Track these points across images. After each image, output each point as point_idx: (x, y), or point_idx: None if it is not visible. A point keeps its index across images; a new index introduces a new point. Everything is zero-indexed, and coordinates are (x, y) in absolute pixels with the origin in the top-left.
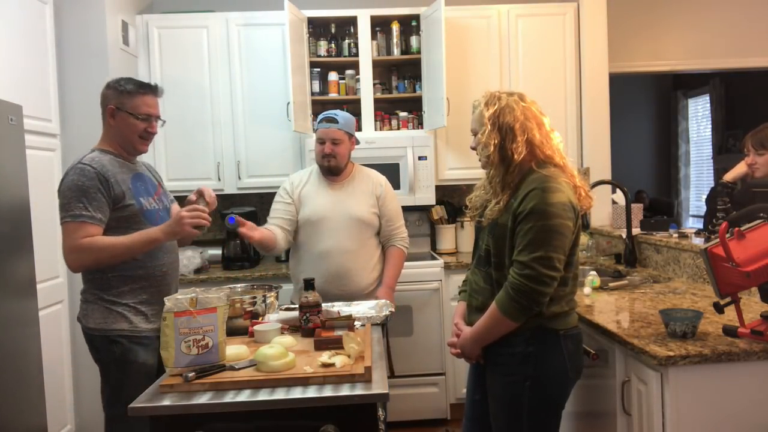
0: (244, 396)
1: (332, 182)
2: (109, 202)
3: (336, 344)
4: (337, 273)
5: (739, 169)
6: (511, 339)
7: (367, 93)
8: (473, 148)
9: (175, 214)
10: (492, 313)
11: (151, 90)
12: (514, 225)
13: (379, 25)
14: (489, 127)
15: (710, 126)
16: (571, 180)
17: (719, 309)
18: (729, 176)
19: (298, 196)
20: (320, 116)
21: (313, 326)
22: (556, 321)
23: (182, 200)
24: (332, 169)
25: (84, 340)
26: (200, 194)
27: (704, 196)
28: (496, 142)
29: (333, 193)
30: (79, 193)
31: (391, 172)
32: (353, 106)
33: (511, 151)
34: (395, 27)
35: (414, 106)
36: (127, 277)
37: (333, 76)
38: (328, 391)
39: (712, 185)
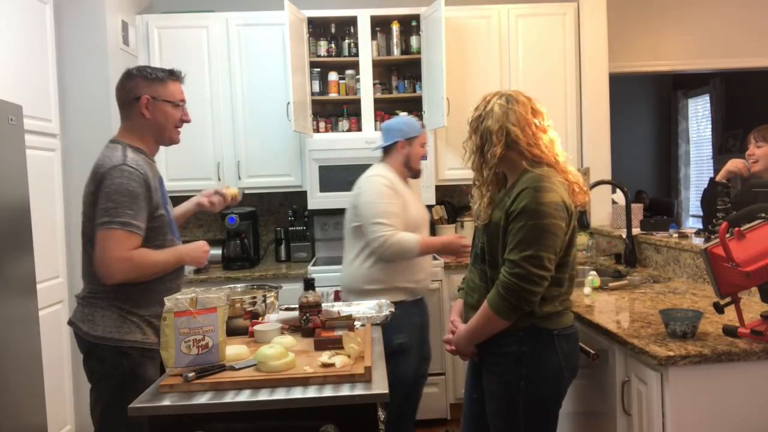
0: (244, 396)
1: (406, 184)
2: (148, 212)
3: (336, 344)
4: (431, 272)
5: (728, 167)
6: (504, 339)
7: (367, 93)
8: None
9: (201, 245)
10: (484, 312)
11: (179, 76)
12: (506, 224)
13: (379, 25)
14: (470, 131)
15: (710, 126)
16: (564, 177)
17: (719, 309)
18: (719, 176)
19: (404, 199)
20: (415, 120)
21: (313, 326)
22: (550, 321)
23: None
24: (419, 173)
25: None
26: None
27: (700, 198)
28: (476, 145)
29: (412, 194)
30: (129, 199)
31: None
32: (353, 106)
33: (488, 155)
34: (395, 27)
35: (414, 106)
36: (147, 290)
37: (333, 76)
38: (328, 391)
39: (706, 187)
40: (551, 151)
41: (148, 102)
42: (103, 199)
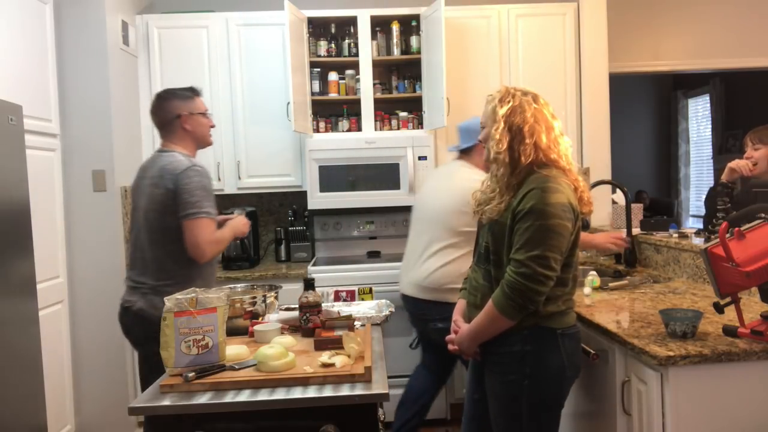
0: (244, 396)
1: None
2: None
3: (336, 344)
4: None
5: (731, 165)
6: (508, 338)
7: (367, 93)
8: (480, 141)
9: (242, 218)
10: (488, 311)
11: (200, 92)
12: (512, 223)
13: (379, 25)
14: (501, 124)
15: (710, 126)
16: (573, 183)
17: (719, 309)
18: (724, 177)
19: None
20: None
21: (313, 326)
22: (553, 320)
23: None
24: None
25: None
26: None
27: (704, 196)
28: (506, 140)
29: None
30: (206, 193)
31: (391, 172)
32: (353, 106)
33: (519, 153)
34: (395, 27)
35: (414, 106)
36: (203, 274)
37: (333, 76)
38: (328, 391)
39: (712, 185)
40: (567, 159)
41: (186, 118)
42: (186, 195)
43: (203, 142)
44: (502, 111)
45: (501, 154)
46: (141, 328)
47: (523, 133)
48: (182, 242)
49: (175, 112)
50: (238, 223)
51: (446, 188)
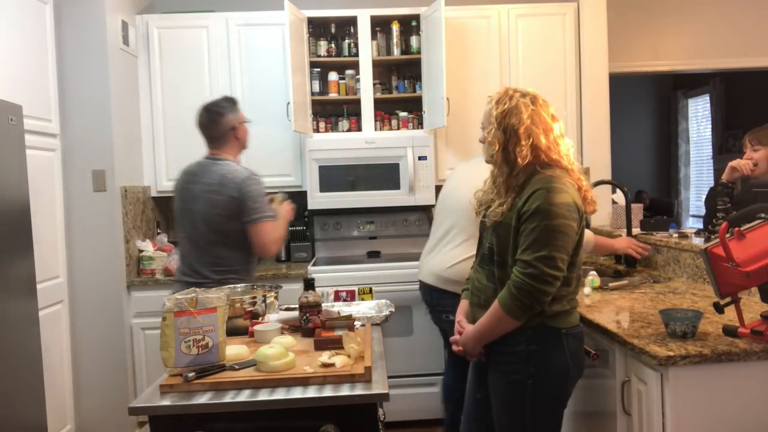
0: (244, 396)
1: None
2: None
3: (336, 344)
4: None
5: (732, 164)
6: (513, 338)
7: (367, 93)
8: (481, 142)
9: (287, 204)
10: (494, 312)
11: (237, 101)
12: (518, 224)
13: (379, 25)
14: (495, 125)
15: (710, 126)
16: (577, 183)
17: (719, 309)
18: (724, 176)
19: None
20: None
21: (313, 326)
22: (558, 319)
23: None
24: None
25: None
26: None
27: (704, 196)
28: (499, 142)
29: None
30: (265, 197)
31: (391, 172)
32: (353, 106)
33: (514, 154)
34: (395, 27)
35: (414, 106)
36: (252, 273)
37: (333, 76)
38: (328, 391)
39: (712, 185)
40: (568, 159)
41: (238, 128)
42: (251, 201)
43: (245, 146)
44: (496, 113)
45: (494, 156)
46: None
47: (518, 134)
48: (244, 242)
49: (229, 125)
50: (287, 212)
51: (468, 179)
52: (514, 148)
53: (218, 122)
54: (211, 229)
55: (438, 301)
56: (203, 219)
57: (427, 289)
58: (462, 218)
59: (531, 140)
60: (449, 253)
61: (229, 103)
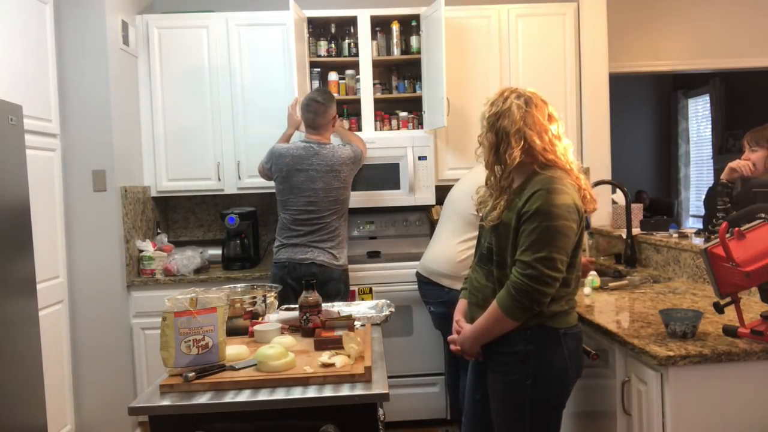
0: (244, 396)
1: None
2: None
3: (336, 344)
4: None
5: (731, 165)
6: (511, 338)
7: (367, 93)
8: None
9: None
10: (492, 312)
11: None
12: (518, 224)
13: (379, 25)
14: (486, 127)
15: (710, 126)
16: (576, 183)
17: (719, 309)
18: (724, 176)
19: None
20: None
21: (313, 326)
22: (557, 320)
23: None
24: None
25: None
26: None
27: (704, 196)
28: (490, 143)
29: None
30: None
31: (391, 172)
32: (353, 106)
33: (506, 156)
34: (395, 27)
35: (414, 106)
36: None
37: (333, 76)
38: (328, 391)
39: (712, 185)
40: (566, 159)
41: (336, 117)
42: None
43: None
44: (488, 115)
45: (486, 156)
46: (323, 276)
47: (509, 136)
48: (347, 212)
49: (333, 114)
50: (290, 118)
51: (474, 177)
52: (506, 150)
53: (328, 112)
54: (331, 200)
55: (424, 292)
56: (325, 192)
57: (419, 282)
58: (453, 214)
59: (524, 142)
60: (435, 246)
61: (328, 95)
